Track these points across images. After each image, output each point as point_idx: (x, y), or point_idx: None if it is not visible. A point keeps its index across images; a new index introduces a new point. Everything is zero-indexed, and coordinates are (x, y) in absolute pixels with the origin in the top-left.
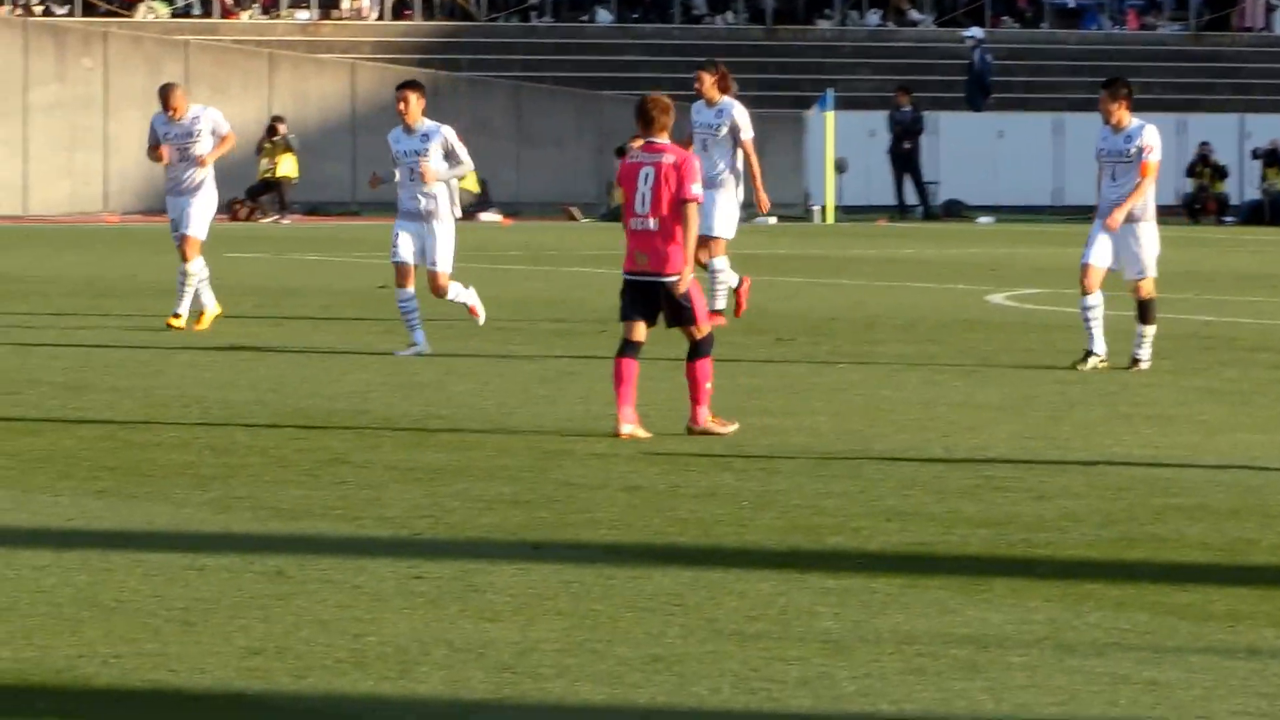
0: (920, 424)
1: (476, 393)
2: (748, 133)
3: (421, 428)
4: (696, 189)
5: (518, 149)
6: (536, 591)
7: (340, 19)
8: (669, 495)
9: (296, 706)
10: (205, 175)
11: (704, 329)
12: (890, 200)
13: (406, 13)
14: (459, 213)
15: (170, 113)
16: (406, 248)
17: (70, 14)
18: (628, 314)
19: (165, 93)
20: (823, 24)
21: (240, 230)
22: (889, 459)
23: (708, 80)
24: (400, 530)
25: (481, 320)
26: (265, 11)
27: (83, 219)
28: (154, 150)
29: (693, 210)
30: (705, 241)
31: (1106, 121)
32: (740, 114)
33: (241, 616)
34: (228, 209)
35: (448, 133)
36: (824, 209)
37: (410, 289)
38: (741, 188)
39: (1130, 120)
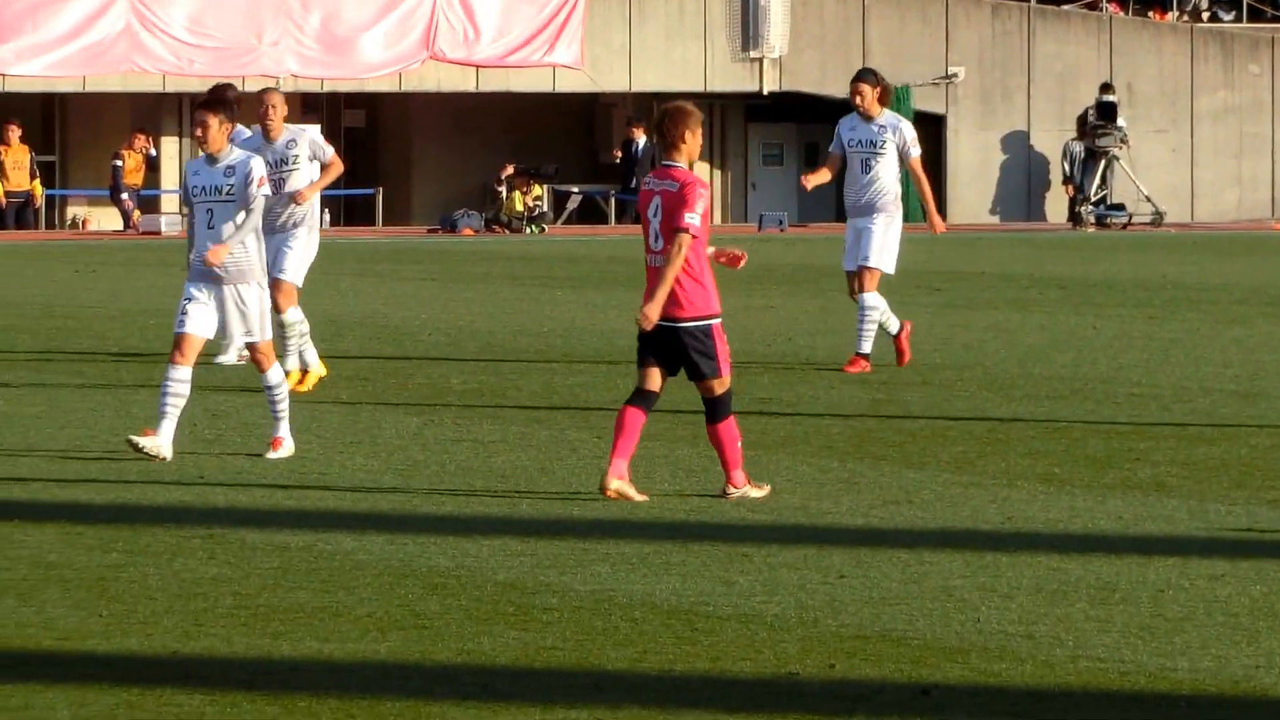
0: None
1: None
2: (916, 149)
3: None
4: (691, 218)
5: None
6: None
7: None
8: None
9: None
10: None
11: (725, 382)
12: None
13: None
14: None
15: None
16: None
17: (1237, 19)
18: (642, 360)
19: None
20: None
21: None
22: None
23: (868, 92)
24: None
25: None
26: None
27: (1251, 226)
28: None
29: (683, 241)
30: (860, 273)
31: None
32: (908, 129)
33: None
34: None
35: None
36: None
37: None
38: (901, 214)
39: None
